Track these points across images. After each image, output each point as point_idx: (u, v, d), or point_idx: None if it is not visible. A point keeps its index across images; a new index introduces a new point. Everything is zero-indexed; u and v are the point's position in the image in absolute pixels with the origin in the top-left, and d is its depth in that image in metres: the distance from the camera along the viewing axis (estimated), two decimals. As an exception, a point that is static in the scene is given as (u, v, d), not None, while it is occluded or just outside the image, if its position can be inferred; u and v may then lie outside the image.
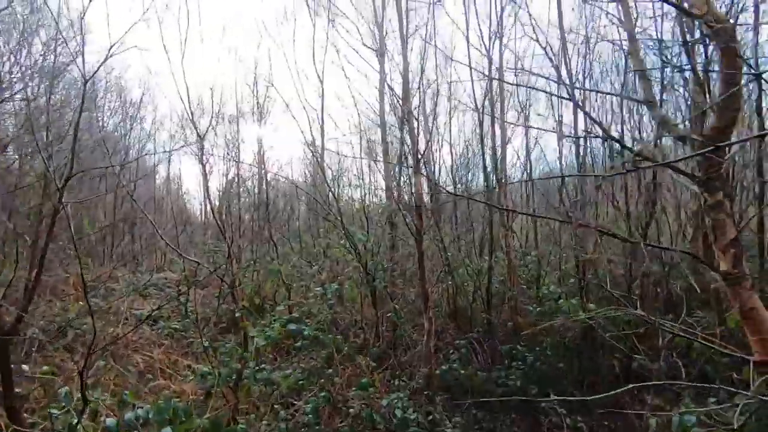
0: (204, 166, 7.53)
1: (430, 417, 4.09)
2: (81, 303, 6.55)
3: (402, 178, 6.65)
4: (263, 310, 7.19)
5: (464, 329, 6.45)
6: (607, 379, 5.20)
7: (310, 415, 3.80)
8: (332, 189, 7.90)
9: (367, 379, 4.26)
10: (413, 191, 4.95)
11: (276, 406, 4.13)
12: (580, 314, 3.66)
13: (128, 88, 12.66)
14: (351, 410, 3.97)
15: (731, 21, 1.97)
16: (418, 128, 4.77)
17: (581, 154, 6.30)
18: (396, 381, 4.87)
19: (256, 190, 11.39)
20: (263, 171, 11.08)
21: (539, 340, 6.02)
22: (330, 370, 4.92)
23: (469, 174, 8.64)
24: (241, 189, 11.43)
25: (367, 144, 9.12)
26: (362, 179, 9.50)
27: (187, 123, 9.71)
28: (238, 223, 9.67)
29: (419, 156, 4.74)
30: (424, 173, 5.18)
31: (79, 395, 2.41)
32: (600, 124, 2.32)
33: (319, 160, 8.48)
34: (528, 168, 7.79)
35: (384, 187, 7.29)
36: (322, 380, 4.53)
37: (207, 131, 6.42)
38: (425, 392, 4.61)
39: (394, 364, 5.94)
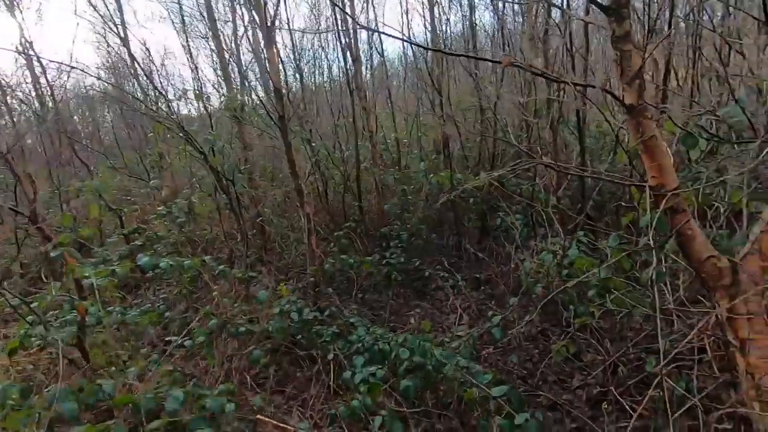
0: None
1: (327, 312, 3.93)
2: None
3: (243, 56, 5.50)
4: (87, 248, 5.77)
5: (338, 221, 6.29)
6: (475, 239, 5.77)
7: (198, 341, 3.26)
8: (152, 82, 6.20)
9: (264, 292, 3.78)
10: (267, 69, 4.08)
11: (144, 350, 3.43)
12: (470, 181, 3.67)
13: None
14: (241, 329, 3.52)
15: None
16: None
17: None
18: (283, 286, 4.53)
19: (36, 102, 8.52)
20: (36, 73, 8.18)
21: (411, 218, 6.27)
22: (197, 295, 4.29)
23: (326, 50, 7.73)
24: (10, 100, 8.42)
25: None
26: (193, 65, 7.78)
27: None
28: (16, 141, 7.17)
29: (270, 22, 3.79)
30: (281, 45, 4.25)
31: None
32: None
33: (124, 46, 6.46)
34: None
35: (222, 75, 6.02)
36: (199, 306, 3.90)
37: None
38: (316, 289, 4.40)
39: (272, 269, 5.56)
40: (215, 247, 6.32)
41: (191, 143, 5.21)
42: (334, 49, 8.05)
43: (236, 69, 6.62)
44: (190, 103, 9.13)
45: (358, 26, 5.79)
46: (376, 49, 8.29)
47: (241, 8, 5.09)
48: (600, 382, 3.14)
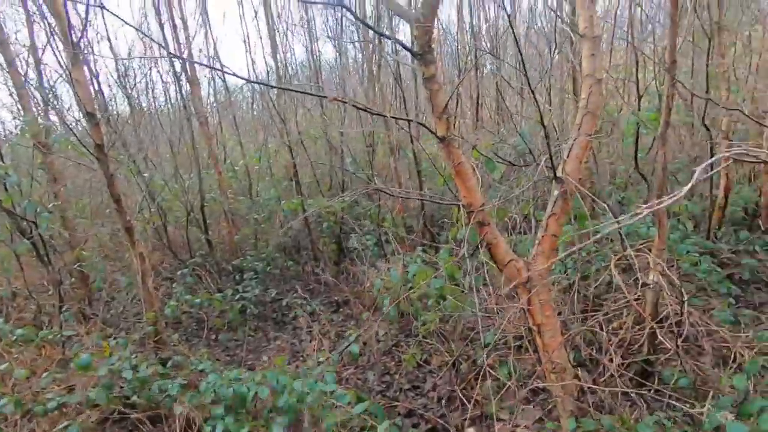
0: None
1: (171, 362, 3.50)
2: None
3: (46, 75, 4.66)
4: None
5: (183, 257, 5.71)
6: (332, 262, 5.86)
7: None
8: None
9: (86, 356, 3.13)
10: (75, 92, 3.50)
11: None
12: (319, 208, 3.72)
13: None
14: (51, 404, 2.88)
15: None
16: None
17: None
18: (111, 341, 3.86)
19: None
20: None
21: (265, 247, 6.07)
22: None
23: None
24: None
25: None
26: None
27: None
28: None
29: (78, 37, 3.29)
30: (93, 65, 3.74)
31: None
32: None
33: None
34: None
35: (17, 95, 4.99)
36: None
37: None
38: (156, 338, 3.88)
39: (97, 323, 4.71)
40: (15, 306, 5.08)
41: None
42: (168, 71, 7.37)
43: (42, 88, 5.54)
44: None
45: (188, 60, 5.46)
46: (218, 75, 7.93)
47: (40, 19, 4.30)
48: (448, 381, 3.47)
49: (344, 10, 5.17)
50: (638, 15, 4.70)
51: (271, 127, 6.62)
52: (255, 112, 9.92)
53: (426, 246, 3.80)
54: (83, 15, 3.64)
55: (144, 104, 7.46)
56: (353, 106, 1.82)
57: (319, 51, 6.85)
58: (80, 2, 3.19)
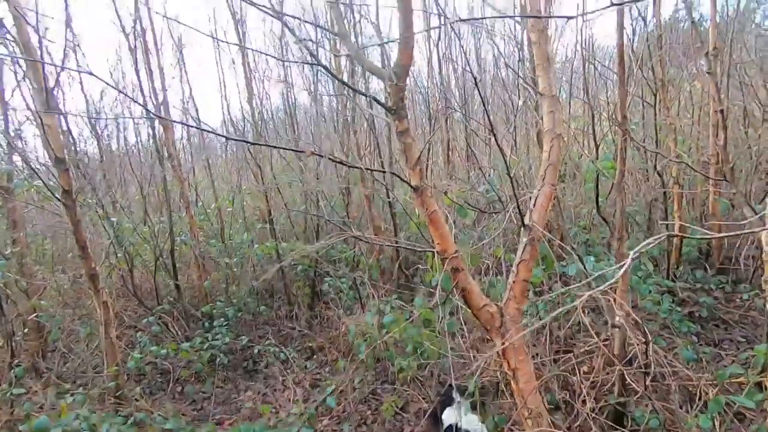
0: None
1: (132, 420, 3.29)
2: None
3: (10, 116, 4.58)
4: None
5: (150, 305, 5.48)
6: (305, 305, 5.75)
7: None
8: None
9: (44, 418, 2.90)
10: (47, 137, 3.45)
11: None
12: (294, 253, 3.71)
13: None
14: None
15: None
16: (40, 42, 3.23)
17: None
18: (67, 398, 3.61)
19: None
20: None
21: (237, 292, 5.92)
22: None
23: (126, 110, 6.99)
24: None
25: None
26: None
27: None
28: None
29: (49, 87, 3.29)
30: (63, 111, 3.72)
31: None
32: (313, 54, 2.24)
33: None
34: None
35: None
36: None
37: None
38: (117, 393, 3.65)
39: (51, 378, 4.40)
40: (-41, 362, 4.68)
41: None
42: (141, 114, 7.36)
43: (7, 133, 5.41)
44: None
45: (168, 120, 5.53)
46: (191, 117, 7.97)
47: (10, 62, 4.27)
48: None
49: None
50: (592, 71, 5.13)
51: (245, 171, 6.64)
52: (228, 154, 9.95)
53: (400, 291, 3.82)
54: (58, 62, 3.65)
55: (114, 146, 7.37)
56: (330, 159, 1.89)
57: (294, 99, 7.02)
58: (54, 42, 3.22)
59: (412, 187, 2.35)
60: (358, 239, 2.82)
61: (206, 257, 6.34)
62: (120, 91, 3.88)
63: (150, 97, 5.92)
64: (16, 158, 5.48)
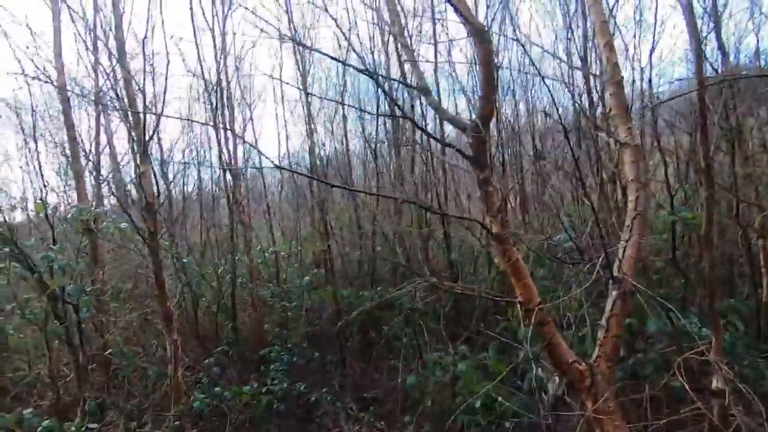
0: None
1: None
2: None
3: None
4: None
5: (209, 345, 5.60)
6: (358, 353, 5.66)
7: None
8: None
9: None
10: (141, 183, 3.78)
11: None
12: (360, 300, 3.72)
13: None
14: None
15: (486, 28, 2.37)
16: (144, 94, 3.64)
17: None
18: (134, 436, 3.68)
19: None
20: None
21: (291, 336, 5.95)
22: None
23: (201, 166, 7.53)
24: None
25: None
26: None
27: None
28: None
29: (149, 136, 3.66)
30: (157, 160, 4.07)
31: None
32: (399, 106, 2.37)
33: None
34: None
35: (74, 182, 5.39)
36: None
37: None
38: (181, 434, 3.67)
39: (118, 415, 4.50)
40: (35, 392, 4.93)
41: (20, 259, 4.31)
42: (206, 160, 7.93)
43: (96, 177, 6.01)
44: (26, 211, 7.80)
45: (240, 139, 5.96)
46: (253, 162, 8.45)
47: (107, 118, 4.81)
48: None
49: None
50: (659, 120, 5.01)
51: (304, 216, 6.87)
52: (283, 197, 10.32)
53: (466, 341, 3.69)
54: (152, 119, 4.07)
55: (185, 193, 7.92)
56: (423, 206, 1.93)
57: (347, 148, 7.31)
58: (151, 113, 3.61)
59: (493, 235, 2.34)
60: (437, 286, 2.79)
61: (262, 301, 6.48)
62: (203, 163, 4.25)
63: (223, 145, 6.42)
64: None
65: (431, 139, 4.89)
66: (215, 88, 6.01)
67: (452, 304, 4.45)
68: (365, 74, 2.06)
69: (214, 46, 6.24)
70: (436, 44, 4.53)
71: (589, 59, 4.81)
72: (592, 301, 2.58)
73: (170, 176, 7.61)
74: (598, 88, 4.50)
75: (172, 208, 7.19)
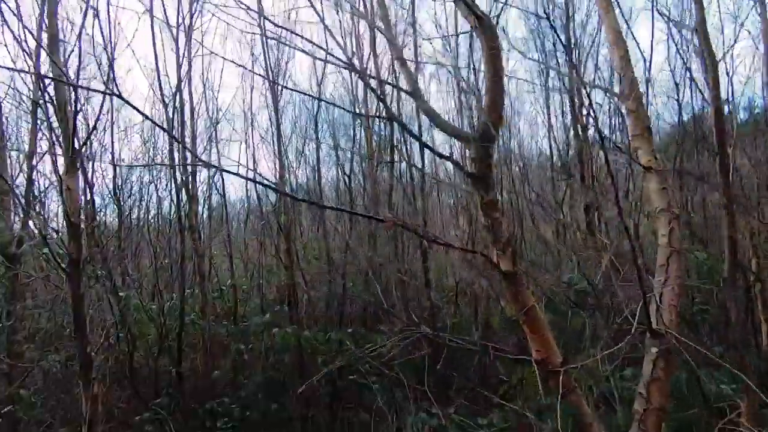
0: None
1: None
2: None
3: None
4: None
5: (146, 396, 4.73)
6: (325, 405, 4.93)
7: None
8: None
9: None
10: (65, 199, 3.10)
11: None
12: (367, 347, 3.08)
13: None
14: None
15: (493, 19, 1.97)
16: (75, 98, 3.03)
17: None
18: None
19: None
20: None
21: (246, 384, 5.15)
22: None
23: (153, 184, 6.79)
24: None
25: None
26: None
27: None
28: None
29: (79, 145, 3.02)
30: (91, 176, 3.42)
31: None
32: (388, 108, 1.91)
33: None
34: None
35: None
36: None
37: None
38: None
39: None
40: None
41: None
42: (167, 186, 7.18)
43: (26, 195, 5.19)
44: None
45: (199, 164, 5.34)
46: (217, 189, 7.78)
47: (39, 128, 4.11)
48: None
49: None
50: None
51: (269, 246, 6.23)
52: (248, 228, 9.60)
53: (452, 399, 3.10)
54: (91, 122, 3.44)
55: (134, 216, 7.10)
56: (416, 233, 1.42)
57: (318, 176, 6.83)
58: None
59: (502, 273, 1.84)
60: (432, 338, 2.21)
61: (215, 340, 5.68)
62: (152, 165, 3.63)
63: (179, 167, 5.76)
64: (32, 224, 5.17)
65: (417, 158, 4.46)
66: (174, 94, 5.44)
67: (443, 354, 3.74)
68: (349, 69, 1.61)
69: (178, 57, 5.70)
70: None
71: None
72: (614, 358, 2.09)
73: (124, 199, 6.84)
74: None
75: (122, 233, 6.37)
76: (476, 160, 1.91)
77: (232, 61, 4.47)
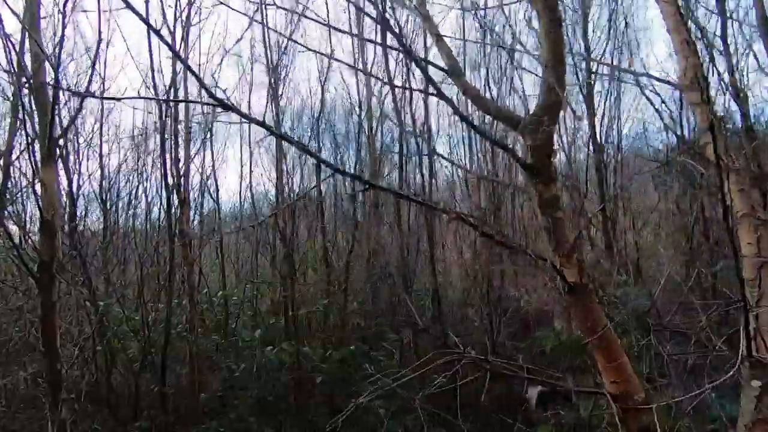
0: None
1: None
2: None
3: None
4: None
5: (125, 418, 4.26)
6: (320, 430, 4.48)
7: None
8: None
9: None
10: (40, 200, 2.71)
11: None
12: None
13: None
14: None
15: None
16: (55, 79, 2.67)
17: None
18: None
19: None
20: None
21: (236, 406, 4.70)
22: None
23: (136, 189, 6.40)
24: None
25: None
26: None
27: None
28: None
29: (55, 138, 2.65)
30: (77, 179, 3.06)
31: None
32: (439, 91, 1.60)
33: None
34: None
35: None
36: None
37: None
38: None
39: None
40: None
41: None
42: (158, 190, 6.76)
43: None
44: None
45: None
46: (210, 195, 7.36)
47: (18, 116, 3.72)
48: None
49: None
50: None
51: (265, 255, 5.84)
52: (241, 236, 9.17)
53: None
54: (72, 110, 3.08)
55: (121, 221, 6.67)
56: (482, 233, 1.09)
57: (319, 189, 6.51)
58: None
59: (568, 284, 1.50)
60: (481, 366, 1.85)
61: (204, 356, 5.23)
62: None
63: (171, 168, 5.38)
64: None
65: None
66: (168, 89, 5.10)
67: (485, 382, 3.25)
68: (377, 22, 1.30)
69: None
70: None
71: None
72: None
73: (112, 200, 6.40)
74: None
75: (107, 237, 5.92)
76: (532, 149, 1.59)
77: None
